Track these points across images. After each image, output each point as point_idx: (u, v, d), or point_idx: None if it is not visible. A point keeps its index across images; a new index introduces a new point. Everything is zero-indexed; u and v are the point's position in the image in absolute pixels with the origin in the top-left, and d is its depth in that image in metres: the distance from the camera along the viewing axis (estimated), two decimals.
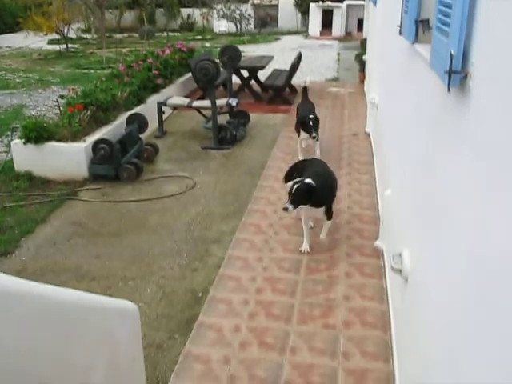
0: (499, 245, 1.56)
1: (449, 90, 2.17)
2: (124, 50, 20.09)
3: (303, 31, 26.57)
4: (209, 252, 5.47)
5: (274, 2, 28.76)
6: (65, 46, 21.71)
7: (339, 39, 23.55)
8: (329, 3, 24.94)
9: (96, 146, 7.25)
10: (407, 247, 3.44)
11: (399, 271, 3.43)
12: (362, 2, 20.53)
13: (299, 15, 27.96)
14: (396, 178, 4.69)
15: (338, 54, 18.92)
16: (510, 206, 1.49)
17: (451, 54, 2.09)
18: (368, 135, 8.80)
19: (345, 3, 24.62)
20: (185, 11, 29.37)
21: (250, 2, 27.81)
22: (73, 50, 21.96)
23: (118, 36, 25.26)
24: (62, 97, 8.74)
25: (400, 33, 4.56)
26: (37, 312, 1.61)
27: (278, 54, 16.69)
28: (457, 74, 2.09)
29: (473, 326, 1.81)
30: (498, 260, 1.56)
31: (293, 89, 12.33)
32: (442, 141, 2.53)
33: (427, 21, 3.64)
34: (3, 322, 1.50)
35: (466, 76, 2.06)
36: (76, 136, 7.38)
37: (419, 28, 3.78)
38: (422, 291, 2.87)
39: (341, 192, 6.62)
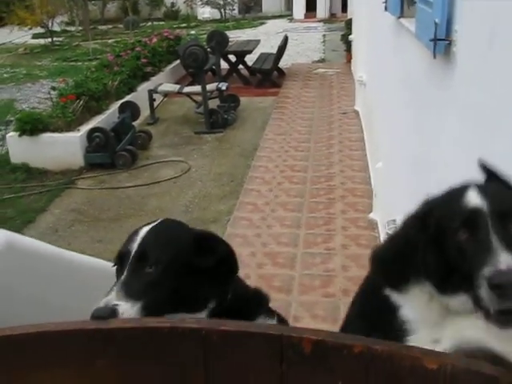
0: None
1: (434, 56, 2.31)
2: (110, 41, 20.04)
3: (287, 15, 26.51)
4: None
5: None
6: (50, 39, 21.61)
7: (324, 21, 23.53)
8: None
9: (91, 134, 7.35)
10: (400, 214, 3.59)
11: None
12: None
13: None
14: (387, 150, 4.84)
15: (324, 36, 18.98)
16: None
17: (436, 23, 2.23)
18: (357, 113, 8.93)
19: None
20: None
21: None
22: (58, 43, 21.84)
23: (103, 27, 25.15)
24: (53, 88, 8.80)
25: (385, 9, 4.68)
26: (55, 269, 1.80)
27: (263, 38, 16.72)
28: (441, 42, 2.23)
29: None
30: None
31: (281, 72, 12.42)
32: (429, 106, 2.68)
33: None
34: (34, 277, 1.69)
35: (450, 43, 2.20)
36: (70, 126, 7.47)
37: (404, 3, 3.92)
38: None
39: (334, 169, 6.78)
